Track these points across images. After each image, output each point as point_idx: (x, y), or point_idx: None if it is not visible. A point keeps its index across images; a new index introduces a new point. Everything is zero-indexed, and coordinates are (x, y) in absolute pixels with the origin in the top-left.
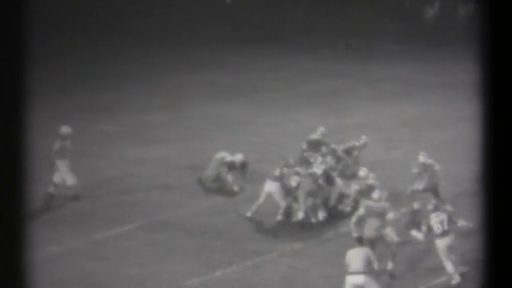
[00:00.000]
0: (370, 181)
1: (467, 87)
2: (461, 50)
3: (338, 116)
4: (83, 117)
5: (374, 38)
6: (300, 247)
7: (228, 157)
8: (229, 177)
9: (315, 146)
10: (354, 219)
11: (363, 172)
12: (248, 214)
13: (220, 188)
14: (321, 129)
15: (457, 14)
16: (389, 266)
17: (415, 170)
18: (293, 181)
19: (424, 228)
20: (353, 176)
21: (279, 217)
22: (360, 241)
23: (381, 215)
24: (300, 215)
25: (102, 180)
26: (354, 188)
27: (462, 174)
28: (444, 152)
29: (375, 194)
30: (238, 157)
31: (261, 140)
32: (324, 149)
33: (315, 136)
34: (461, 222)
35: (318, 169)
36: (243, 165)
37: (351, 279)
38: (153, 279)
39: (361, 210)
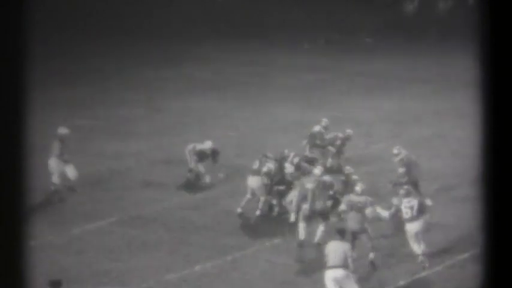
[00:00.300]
0: (326, 178)
1: (446, 81)
2: (440, 44)
3: (315, 110)
4: (57, 111)
5: (353, 32)
6: (279, 242)
7: (198, 146)
8: (201, 167)
9: (313, 139)
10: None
11: (317, 170)
12: (239, 210)
13: (195, 180)
14: (325, 121)
15: (437, 9)
16: (371, 255)
17: (401, 170)
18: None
19: (392, 209)
20: (338, 170)
21: (258, 212)
22: (342, 233)
23: (362, 208)
24: (292, 217)
25: (77, 175)
26: (307, 186)
27: (441, 169)
28: (423, 147)
29: (357, 187)
30: (207, 144)
31: (237, 134)
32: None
33: (316, 128)
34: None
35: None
36: (214, 153)
37: (330, 274)
38: (131, 274)
39: (342, 206)
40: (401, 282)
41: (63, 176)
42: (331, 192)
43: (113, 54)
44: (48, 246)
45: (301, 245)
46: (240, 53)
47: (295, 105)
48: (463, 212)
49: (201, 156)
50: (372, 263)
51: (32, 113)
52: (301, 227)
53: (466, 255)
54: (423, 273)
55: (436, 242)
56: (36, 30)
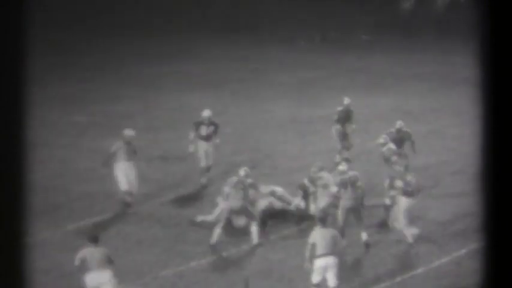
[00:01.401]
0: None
1: (443, 79)
2: (437, 42)
3: (310, 107)
4: (53, 107)
5: (349, 30)
6: (274, 238)
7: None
8: (191, 135)
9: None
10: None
11: (242, 171)
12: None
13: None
14: (399, 123)
15: (435, 5)
16: (364, 236)
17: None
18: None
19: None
20: None
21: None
22: (323, 221)
23: (355, 182)
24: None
25: (73, 171)
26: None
27: (437, 165)
28: (420, 144)
29: (341, 167)
30: (205, 112)
31: (234, 131)
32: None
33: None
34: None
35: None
36: (213, 124)
37: (321, 262)
38: (127, 270)
39: (332, 188)
40: (398, 279)
41: (130, 182)
42: (252, 191)
43: (110, 50)
44: (42, 243)
45: (213, 249)
46: (237, 50)
47: (291, 103)
48: (459, 209)
49: (198, 125)
50: (367, 244)
51: (31, 109)
52: (216, 231)
53: (462, 251)
54: (419, 270)
55: (432, 238)
56: (35, 27)
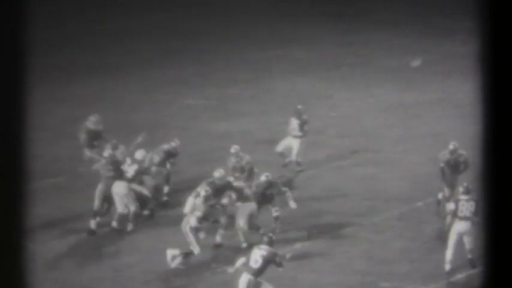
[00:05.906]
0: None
1: None
2: None
3: (416, 91)
4: (168, 90)
5: (455, 14)
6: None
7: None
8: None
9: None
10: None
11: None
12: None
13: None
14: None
15: None
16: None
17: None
18: None
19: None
20: None
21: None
22: None
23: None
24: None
25: (186, 152)
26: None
27: None
28: None
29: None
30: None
31: (339, 115)
32: None
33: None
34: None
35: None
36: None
37: None
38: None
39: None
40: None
41: None
42: None
43: (222, 35)
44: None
45: None
46: (343, 36)
47: (395, 87)
48: None
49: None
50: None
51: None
52: None
53: None
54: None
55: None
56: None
